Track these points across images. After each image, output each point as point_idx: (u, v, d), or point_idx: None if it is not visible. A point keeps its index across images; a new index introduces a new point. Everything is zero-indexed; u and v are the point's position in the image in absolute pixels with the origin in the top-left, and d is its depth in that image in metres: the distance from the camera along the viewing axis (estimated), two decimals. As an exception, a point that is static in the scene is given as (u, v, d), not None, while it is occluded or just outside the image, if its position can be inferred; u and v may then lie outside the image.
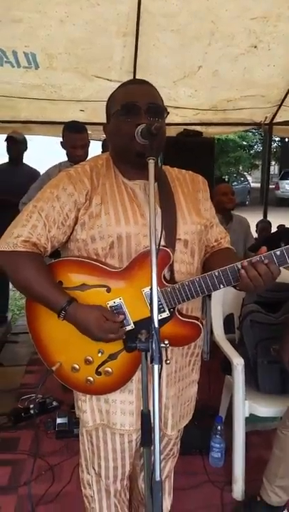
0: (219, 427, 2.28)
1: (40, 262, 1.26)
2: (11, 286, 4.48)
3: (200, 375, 1.54)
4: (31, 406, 2.75)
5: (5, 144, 3.93)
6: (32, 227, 1.24)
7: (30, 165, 4.06)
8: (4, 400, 2.90)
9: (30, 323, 1.34)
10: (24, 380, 3.24)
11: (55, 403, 2.83)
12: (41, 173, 3.37)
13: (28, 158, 4.09)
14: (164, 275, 1.24)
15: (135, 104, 1.22)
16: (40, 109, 4.14)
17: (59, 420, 2.61)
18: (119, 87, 1.33)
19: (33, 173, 3.85)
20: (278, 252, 1.14)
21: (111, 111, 1.31)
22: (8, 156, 3.97)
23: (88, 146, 2.87)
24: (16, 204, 3.03)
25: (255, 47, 3.37)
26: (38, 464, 2.28)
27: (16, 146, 3.90)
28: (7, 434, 2.57)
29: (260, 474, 2.08)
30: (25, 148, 4.01)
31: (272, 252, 1.14)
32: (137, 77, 3.58)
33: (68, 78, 3.60)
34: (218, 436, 2.27)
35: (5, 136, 3.94)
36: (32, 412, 2.70)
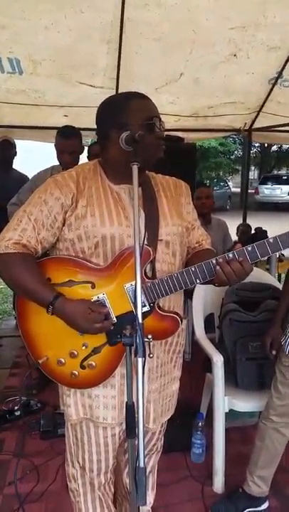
0: (200, 423, 2.35)
1: (30, 261, 1.33)
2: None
3: (182, 374, 1.60)
4: (15, 408, 2.78)
5: None
6: (22, 230, 1.32)
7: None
8: (-12, 402, 2.92)
9: (20, 320, 1.41)
10: (8, 382, 3.25)
11: (39, 404, 2.85)
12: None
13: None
14: (145, 273, 1.32)
15: (153, 118, 1.31)
16: (23, 114, 4.14)
17: (43, 421, 2.64)
18: (128, 99, 1.34)
19: (22, 178, 3.86)
20: (249, 248, 1.22)
21: (126, 123, 1.29)
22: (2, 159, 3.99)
23: (79, 152, 2.85)
24: (4, 205, 3.06)
25: (235, 55, 3.46)
26: (23, 463, 2.31)
27: (10, 149, 3.93)
28: (-9, 435, 2.59)
29: (239, 468, 2.16)
30: (16, 153, 4.04)
31: (244, 248, 1.22)
32: (120, 83, 3.64)
33: (52, 84, 3.63)
34: (199, 432, 2.34)
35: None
36: (16, 414, 2.72)
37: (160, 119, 1.34)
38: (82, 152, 2.94)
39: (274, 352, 1.97)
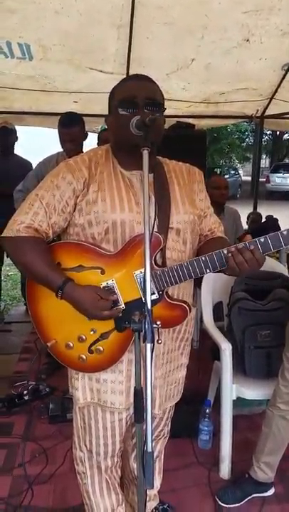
0: (207, 410, 2.36)
1: (41, 245, 1.33)
2: (2, 277, 4.52)
3: (189, 362, 1.60)
4: (25, 392, 2.81)
5: None
6: (34, 214, 1.32)
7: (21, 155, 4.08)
8: (-2, 386, 2.96)
9: (30, 303, 1.43)
10: (17, 367, 3.29)
11: (48, 389, 2.88)
12: (33, 164, 3.39)
13: (21, 149, 4.11)
14: (155, 261, 1.31)
15: (133, 99, 1.28)
16: (33, 100, 4.15)
17: (52, 405, 2.67)
18: (121, 81, 1.38)
19: (24, 164, 3.88)
20: (262, 239, 1.20)
21: (111, 104, 1.36)
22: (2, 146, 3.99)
23: (80, 140, 2.85)
24: (10, 194, 3.07)
25: (248, 40, 3.40)
26: (31, 447, 2.35)
27: (8, 136, 3.91)
28: (1, 419, 2.62)
29: (245, 455, 2.17)
30: (16, 139, 4.03)
31: (256, 239, 1.20)
32: (130, 69, 3.61)
33: (62, 70, 3.61)
34: (206, 419, 2.35)
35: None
36: (25, 398, 2.76)
37: (147, 102, 1.28)
38: (86, 138, 2.92)
39: None
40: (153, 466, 1.08)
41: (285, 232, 1.18)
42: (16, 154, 4.04)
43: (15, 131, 3.98)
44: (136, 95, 1.28)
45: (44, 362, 3.08)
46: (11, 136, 3.93)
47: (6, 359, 3.42)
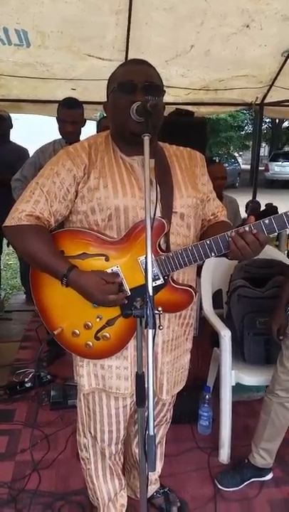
0: (207, 396, 2.39)
1: (44, 233, 1.33)
2: (2, 266, 4.53)
3: (190, 348, 1.62)
4: (26, 379, 2.84)
5: None
6: (35, 202, 1.31)
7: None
8: (0, 374, 2.98)
9: (34, 293, 1.42)
10: (18, 355, 3.31)
11: (49, 377, 2.91)
12: (29, 152, 3.37)
13: (16, 137, 4.08)
14: (159, 246, 1.31)
15: (132, 83, 1.27)
16: (31, 88, 4.11)
17: (53, 392, 2.70)
18: (119, 66, 1.37)
19: (20, 151, 3.86)
20: (267, 221, 1.20)
21: (110, 89, 1.35)
22: None
23: (80, 124, 2.88)
24: (7, 181, 3.06)
25: (248, 26, 3.36)
26: (34, 433, 2.37)
27: (3, 123, 3.88)
28: (3, 406, 2.65)
29: (244, 441, 2.21)
30: (11, 126, 3.99)
31: (260, 220, 1.20)
32: (129, 56, 3.57)
33: (60, 57, 3.57)
34: (206, 405, 2.38)
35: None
36: (27, 385, 2.79)
37: (146, 86, 1.27)
38: (84, 125, 2.94)
39: (281, 337, 1.98)
40: (155, 450, 1.09)
41: None
42: (12, 141, 4.01)
43: (8, 118, 3.95)
44: (134, 79, 1.27)
45: (45, 350, 3.11)
46: (5, 123, 3.89)
47: (7, 347, 3.44)
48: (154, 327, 1.08)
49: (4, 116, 3.87)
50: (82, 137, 2.76)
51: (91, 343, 1.38)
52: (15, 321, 4.00)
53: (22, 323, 3.89)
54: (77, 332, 1.38)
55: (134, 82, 1.27)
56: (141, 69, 1.32)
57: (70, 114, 2.79)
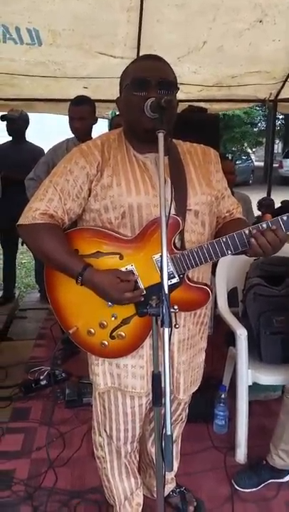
0: (223, 395, 2.37)
1: (58, 232, 1.32)
2: (16, 264, 4.56)
3: (204, 347, 1.61)
4: (41, 377, 2.85)
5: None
6: (48, 200, 1.31)
7: (37, 143, 4.06)
8: (15, 372, 3.00)
9: (49, 292, 1.42)
10: (33, 353, 3.33)
11: (64, 374, 2.92)
12: (45, 151, 3.38)
13: (37, 136, 4.09)
14: (174, 244, 1.30)
15: (146, 79, 1.25)
16: (43, 87, 4.11)
17: (68, 390, 2.71)
18: (132, 62, 1.36)
19: (36, 151, 3.86)
20: (285, 218, 1.18)
21: (123, 85, 1.34)
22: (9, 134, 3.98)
23: (90, 120, 2.88)
24: (22, 180, 3.08)
25: (261, 21, 3.32)
26: (49, 431, 2.38)
27: (14, 124, 3.89)
28: (18, 404, 2.67)
29: (261, 441, 2.18)
30: (26, 125, 3.99)
31: (278, 217, 1.18)
32: (141, 53, 3.55)
33: (72, 55, 3.57)
34: (222, 404, 2.36)
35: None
36: (42, 383, 2.80)
37: (160, 82, 1.26)
38: (95, 122, 2.95)
39: None
40: (172, 449, 1.08)
41: None
42: (28, 141, 4.03)
43: (24, 118, 3.94)
44: (149, 76, 1.26)
45: (59, 348, 3.12)
46: (17, 123, 3.87)
47: (22, 345, 3.47)
48: (170, 326, 1.06)
49: (13, 116, 3.85)
50: (94, 135, 2.77)
51: (106, 342, 1.37)
52: (30, 319, 4.03)
53: (37, 322, 3.92)
54: (93, 331, 1.38)
55: (148, 78, 1.25)
56: (155, 65, 1.30)
57: (77, 110, 2.82)
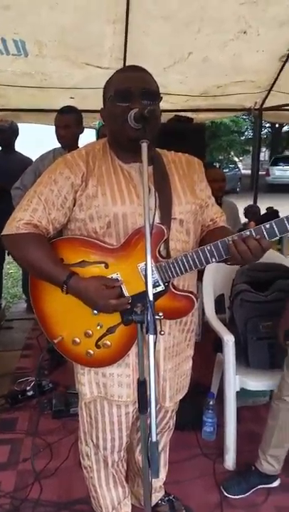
0: (211, 402, 2.37)
1: (42, 241, 1.33)
2: (3, 275, 4.52)
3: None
4: (27, 388, 2.82)
5: None
6: (33, 210, 1.31)
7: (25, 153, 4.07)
8: (1, 383, 2.97)
9: (34, 301, 1.42)
10: (20, 363, 3.30)
11: (50, 385, 2.89)
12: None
13: (26, 147, 4.10)
14: (159, 252, 1.30)
15: (128, 89, 1.27)
16: (29, 97, 4.11)
17: (55, 401, 2.68)
18: (115, 73, 1.37)
19: (25, 161, 3.85)
20: (267, 225, 1.19)
21: (106, 96, 1.35)
22: None
23: (75, 129, 2.90)
24: (8, 190, 3.07)
25: (245, 32, 3.38)
26: (36, 442, 2.35)
27: (3, 134, 3.90)
28: (5, 415, 2.64)
29: (249, 446, 2.18)
30: (16, 135, 4.01)
31: (262, 225, 1.19)
32: (127, 64, 3.59)
33: (58, 66, 3.59)
34: (210, 411, 2.36)
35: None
36: (28, 394, 2.77)
37: (143, 93, 1.27)
38: (82, 131, 2.98)
39: (288, 342, 1.96)
40: (158, 456, 1.08)
41: None
42: (17, 152, 4.03)
43: (13, 128, 3.96)
44: (131, 86, 1.27)
45: (46, 358, 3.09)
46: (6, 133, 3.89)
47: (9, 356, 3.43)
48: (154, 332, 1.07)
49: (3, 127, 3.87)
50: (80, 145, 2.78)
51: (92, 352, 1.37)
52: (16, 330, 4.00)
53: (23, 332, 3.88)
54: (78, 340, 1.37)
55: (131, 89, 1.27)
56: (137, 75, 1.32)
57: (62, 118, 2.86)
